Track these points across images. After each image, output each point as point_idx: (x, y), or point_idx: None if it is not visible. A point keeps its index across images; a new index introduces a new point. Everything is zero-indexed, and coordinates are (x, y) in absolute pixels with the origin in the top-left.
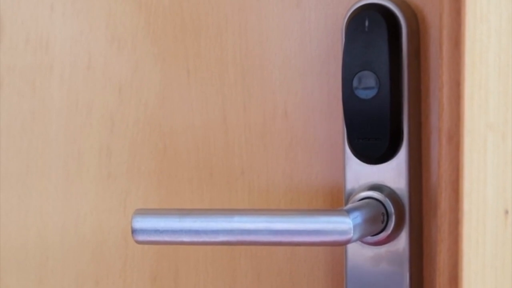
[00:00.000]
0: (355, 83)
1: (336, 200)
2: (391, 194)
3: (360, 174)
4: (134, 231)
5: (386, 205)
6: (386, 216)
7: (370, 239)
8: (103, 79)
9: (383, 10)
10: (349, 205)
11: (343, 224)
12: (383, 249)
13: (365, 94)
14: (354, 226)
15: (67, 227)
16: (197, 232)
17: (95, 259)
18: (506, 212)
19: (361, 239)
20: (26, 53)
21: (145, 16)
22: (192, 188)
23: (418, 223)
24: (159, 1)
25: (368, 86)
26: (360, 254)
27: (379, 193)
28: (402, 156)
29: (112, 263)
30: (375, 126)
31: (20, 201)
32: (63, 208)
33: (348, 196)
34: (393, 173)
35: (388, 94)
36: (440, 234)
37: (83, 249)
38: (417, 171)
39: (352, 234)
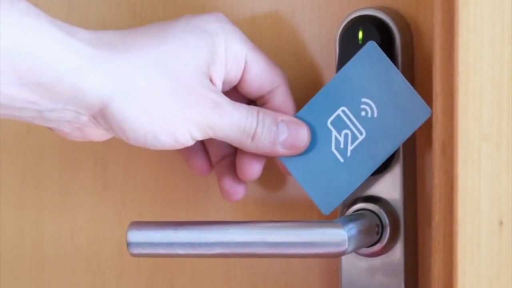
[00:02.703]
0: None
1: (331, 212)
2: (386, 206)
3: None
4: (129, 245)
5: (380, 216)
6: (381, 227)
7: (365, 250)
8: None
9: (377, 22)
10: (344, 217)
11: (338, 236)
12: (378, 261)
13: None
14: (349, 238)
15: (63, 238)
16: (192, 244)
17: (90, 270)
18: (501, 222)
19: (356, 250)
20: None
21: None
22: (187, 200)
23: (413, 234)
24: (153, 11)
25: None
26: (355, 266)
27: (374, 205)
28: (396, 167)
29: (107, 274)
30: None
31: (16, 212)
32: (58, 219)
33: (343, 208)
34: (387, 184)
35: None
36: (435, 245)
37: (78, 260)
38: (411, 182)
39: (347, 246)
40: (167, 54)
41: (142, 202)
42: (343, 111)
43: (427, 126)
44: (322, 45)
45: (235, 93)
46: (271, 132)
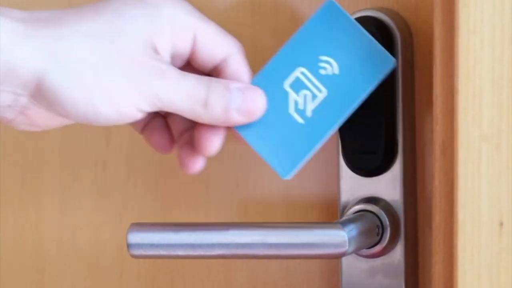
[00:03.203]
0: None
1: (331, 213)
2: (386, 207)
3: (355, 187)
4: (129, 246)
5: (381, 217)
6: (381, 228)
7: (365, 251)
8: None
9: (377, 23)
10: (344, 218)
11: (338, 237)
12: (378, 262)
13: (359, 107)
14: (349, 239)
15: (63, 240)
16: (192, 245)
17: (91, 272)
18: (501, 223)
19: (356, 251)
20: None
21: None
22: (187, 202)
23: (413, 235)
24: None
25: None
26: (356, 267)
27: (374, 206)
28: (396, 168)
29: (108, 277)
30: (370, 138)
31: (16, 215)
32: (59, 222)
33: (343, 209)
34: (388, 185)
35: (383, 106)
36: (435, 246)
37: (79, 263)
38: (411, 183)
39: (347, 247)
40: (104, 25)
41: (143, 204)
42: (302, 72)
43: (428, 127)
44: None
45: (189, 68)
46: (224, 99)
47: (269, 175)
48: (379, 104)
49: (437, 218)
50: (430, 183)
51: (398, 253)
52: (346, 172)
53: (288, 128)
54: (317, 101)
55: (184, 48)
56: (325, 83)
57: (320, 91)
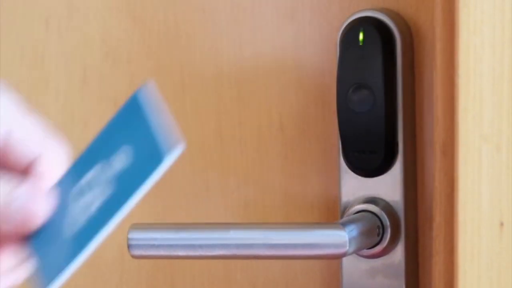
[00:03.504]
0: (350, 96)
1: (331, 213)
2: (387, 207)
3: (355, 187)
4: (130, 246)
5: (381, 218)
6: (381, 229)
7: (365, 252)
8: (98, 93)
9: (378, 24)
10: (345, 218)
11: (339, 237)
12: (378, 262)
13: (360, 107)
14: (350, 239)
15: None
16: (193, 246)
17: (91, 273)
18: (501, 223)
19: (357, 252)
20: (21, 68)
21: (140, 30)
22: (188, 203)
23: (414, 235)
24: (153, 15)
25: (363, 99)
26: (356, 267)
27: (375, 206)
28: (397, 169)
29: (108, 277)
30: (370, 139)
31: None
32: None
33: (344, 209)
34: (388, 186)
35: (383, 107)
36: (435, 246)
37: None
38: (412, 183)
39: (347, 247)
40: None
41: (143, 204)
42: (96, 170)
43: (428, 127)
44: (323, 47)
45: None
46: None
47: (269, 176)
48: (379, 104)
49: (438, 218)
50: (430, 183)
51: (398, 254)
52: (346, 173)
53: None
54: (101, 200)
55: None
56: (113, 180)
57: (106, 189)
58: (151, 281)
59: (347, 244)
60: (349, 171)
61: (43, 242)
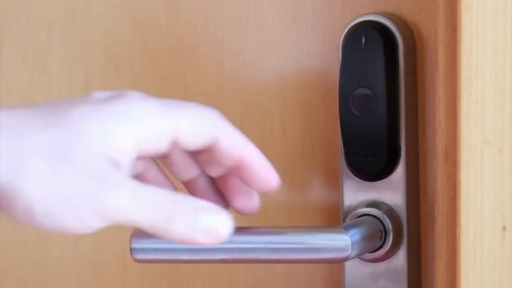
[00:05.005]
0: (352, 99)
1: (334, 217)
2: (389, 211)
3: (357, 191)
4: (132, 250)
5: (384, 221)
6: (384, 232)
7: (368, 256)
8: None
9: (380, 27)
10: (347, 222)
11: (341, 241)
12: (381, 266)
13: (362, 111)
14: (352, 243)
15: (66, 245)
16: (195, 250)
17: (94, 278)
18: (504, 227)
19: (359, 256)
20: (24, 73)
21: (142, 35)
22: None
23: (416, 239)
24: (156, 19)
25: (365, 102)
26: (358, 271)
27: (377, 210)
28: (399, 172)
29: (111, 282)
30: (372, 142)
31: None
32: None
33: (346, 213)
34: (390, 189)
35: (385, 110)
36: (438, 250)
37: (82, 267)
38: (414, 187)
39: (350, 251)
40: (61, 133)
41: None
42: None
43: (430, 131)
44: (325, 50)
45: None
46: (191, 218)
47: None
48: (381, 108)
49: (440, 222)
50: (432, 187)
51: (401, 257)
52: (348, 177)
53: None
54: None
55: (157, 149)
56: None
57: None
58: (153, 285)
59: (350, 248)
60: (352, 175)
61: None
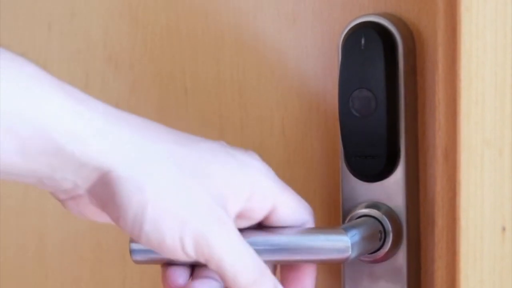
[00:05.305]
0: (351, 100)
1: (333, 218)
2: (389, 212)
3: (357, 192)
4: (132, 251)
5: (383, 222)
6: (383, 233)
7: (368, 256)
8: (101, 97)
9: (379, 28)
10: (347, 223)
11: (341, 242)
12: (381, 267)
13: (361, 112)
14: (352, 244)
15: (66, 245)
16: None
17: (94, 277)
18: (504, 228)
19: (359, 257)
20: None
21: (142, 35)
22: None
23: (416, 240)
24: (156, 20)
25: (364, 103)
26: (358, 272)
27: (377, 211)
28: (399, 173)
29: (111, 281)
30: (372, 143)
31: (19, 221)
32: (61, 226)
33: (346, 214)
34: (390, 190)
35: (385, 111)
36: (437, 251)
37: (82, 267)
38: (414, 188)
39: (350, 252)
40: (187, 162)
41: None
42: None
43: (430, 132)
44: (325, 51)
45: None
46: None
47: None
48: (381, 109)
49: (440, 223)
50: (432, 188)
51: (400, 258)
52: (348, 178)
53: None
54: None
55: (258, 215)
56: None
57: None
58: (153, 285)
59: (350, 249)
60: (351, 175)
61: None
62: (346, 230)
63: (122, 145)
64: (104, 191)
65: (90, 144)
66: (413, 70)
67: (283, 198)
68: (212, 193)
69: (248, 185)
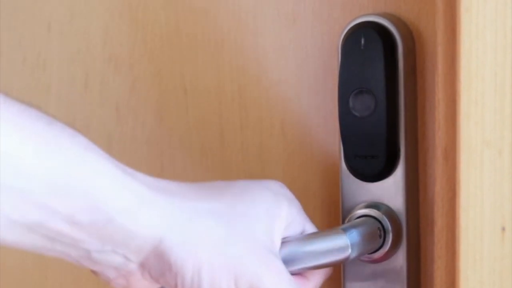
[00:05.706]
0: (351, 101)
1: (333, 218)
2: (388, 212)
3: (357, 192)
4: None
5: (383, 222)
6: (383, 233)
7: (367, 256)
8: (100, 98)
9: (379, 28)
10: (347, 224)
11: (341, 243)
12: (380, 267)
13: (361, 112)
14: (352, 244)
15: None
16: None
17: (94, 277)
18: (503, 228)
19: (359, 257)
20: (23, 73)
21: (142, 35)
22: None
23: (416, 240)
24: (155, 19)
25: (364, 103)
26: (358, 272)
27: (376, 211)
28: (399, 173)
29: None
30: (372, 143)
31: None
32: None
33: (345, 214)
34: (390, 190)
35: (385, 111)
36: (437, 251)
37: (82, 268)
38: (414, 188)
39: (350, 252)
40: (226, 208)
41: None
42: None
43: (430, 132)
44: (324, 51)
45: None
46: None
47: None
48: (381, 109)
49: (439, 223)
50: (432, 188)
51: (400, 258)
52: (348, 178)
53: None
54: None
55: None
56: None
57: None
58: None
59: (350, 249)
60: (351, 176)
61: None
62: (345, 230)
63: (170, 212)
64: (160, 261)
65: (141, 214)
66: (413, 70)
67: (307, 226)
68: (259, 238)
69: (284, 216)
